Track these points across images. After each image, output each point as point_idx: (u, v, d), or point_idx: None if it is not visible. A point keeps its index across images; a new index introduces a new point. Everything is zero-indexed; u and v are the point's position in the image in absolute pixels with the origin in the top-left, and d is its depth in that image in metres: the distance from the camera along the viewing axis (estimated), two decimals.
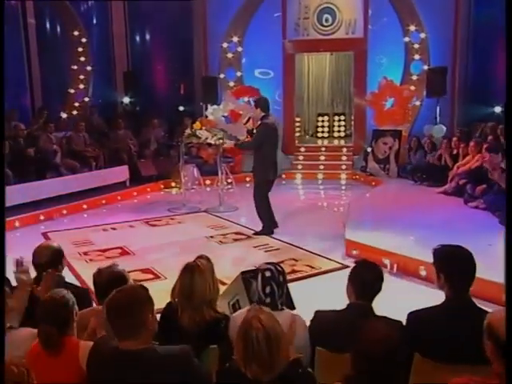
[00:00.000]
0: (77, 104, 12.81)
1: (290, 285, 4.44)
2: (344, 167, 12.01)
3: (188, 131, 8.48)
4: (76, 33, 12.61)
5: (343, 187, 11.37)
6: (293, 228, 7.40)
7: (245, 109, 11.69)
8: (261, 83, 11.93)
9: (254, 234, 6.99)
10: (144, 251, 6.49)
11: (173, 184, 10.79)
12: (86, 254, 6.46)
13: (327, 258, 5.96)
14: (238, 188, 10.38)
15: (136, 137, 11.94)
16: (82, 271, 5.72)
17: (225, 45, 11.92)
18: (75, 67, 12.74)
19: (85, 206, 9.12)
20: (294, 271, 5.54)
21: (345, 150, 12.61)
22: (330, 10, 12.30)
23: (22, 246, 7.08)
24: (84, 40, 12.64)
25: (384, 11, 11.71)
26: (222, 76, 12.01)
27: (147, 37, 13.61)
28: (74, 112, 12.79)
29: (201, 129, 8.50)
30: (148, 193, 10.54)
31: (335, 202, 9.86)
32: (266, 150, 6.86)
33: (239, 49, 11.95)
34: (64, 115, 12.79)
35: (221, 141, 8.33)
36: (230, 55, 11.92)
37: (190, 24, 13.31)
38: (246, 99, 11.75)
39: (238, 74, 12.03)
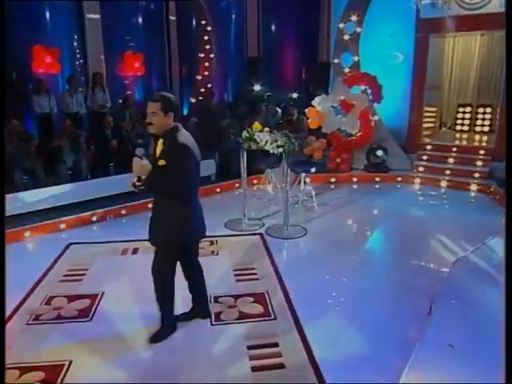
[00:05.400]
0: (202, 90, 10.08)
1: None
2: (477, 175, 7.30)
3: (245, 133, 5.02)
4: (203, 22, 9.70)
5: (472, 202, 6.70)
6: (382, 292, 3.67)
7: (358, 99, 7.68)
8: (382, 70, 7.67)
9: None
10: (112, 310, 3.47)
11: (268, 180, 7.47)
12: (49, 302, 3.65)
13: None
14: (335, 193, 6.70)
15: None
16: None
17: (341, 25, 7.76)
18: (202, 55, 9.92)
19: (150, 206, 6.39)
20: None
21: (482, 152, 7.75)
22: None
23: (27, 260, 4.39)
24: (209, 28, 9.66)
25: None
26: (336, 61, 7.96)
27: (277, 24, 10.10)
28: (200, 98, 10.12)
29: (261, 131, 4.98)
30: (236, 189, 7.40)
31: (452, 232, 5.24)
32: (190, 189, 2.79)
33: (358, 29, 7.65)
34: (193, 100, 10.24)
35: (280, 150, 4.72)
36: (346, 37, 7.73)
37: (318, 8, 9.41)
38: (362, 87, 7.68)
39: (355, 58, 7.81)
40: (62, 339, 3.12)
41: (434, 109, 9.34)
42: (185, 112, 10.33)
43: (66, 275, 4.17)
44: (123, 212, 6.07)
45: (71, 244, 4.96)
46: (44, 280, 4.08)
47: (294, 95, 9.02)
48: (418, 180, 7.62)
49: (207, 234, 4.99)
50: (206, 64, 9.85)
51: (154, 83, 10.13)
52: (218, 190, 7.20)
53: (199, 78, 10.01)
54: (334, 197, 6.82)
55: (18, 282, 4.01)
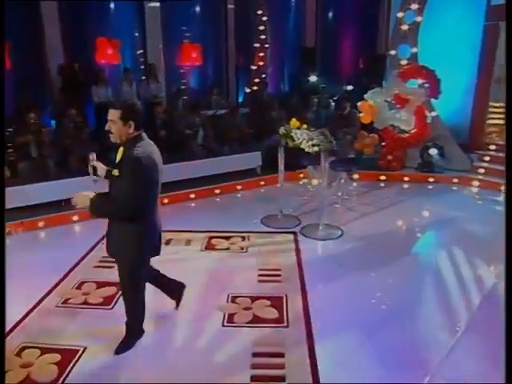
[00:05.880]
0: (257, 80, 9.98)
1: None
2: None
3: (282, 130, 4.87)
4: (259, 12, 9.55)
5: None
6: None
7: (414, 93, 7.16)
8: (443, 62, 7.03)
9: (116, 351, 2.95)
10: None
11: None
12: (79, 286, 3.82)
13: None
14: (383, 193, 6.31)
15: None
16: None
17: (400, 14, 7.20)
18: (257, 45, 9.80)
19: (192, 196, 6.48)
20: None
21: None
22: None
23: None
24: (265, 18, 9.49)
25: None
26: (392, 52, 7.43)
27: (336, 13, 9.67)
28: (254, 88, 10.03)
29: (298, 128, 4.79)
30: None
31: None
32: (142, 205, 2.61)
33: (418, 19, 7.04)
34: (248, 90, 10.19)
35: (316, 149, 4.51)
36: (405, 27, 7.15)
37: None
38: (419, 81, 7.14)
39: (414, 50, 7.22)
40: (83, 325, 3.26)
41: (503, 104, 8.46)
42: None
43: (101, 261, 4.34)
44: (166, 201, 6.22)
45: None
46: (80, 264, 4.29)
47: (349, 87, 8.63)
48: (476, 183, 6.99)
49: (240, 229, 5.08)
50: (261, 54, 9.73)
51: (210, 73, 10.24)
52: (262, 183, 7.12)
53: (254, 68, 9.93)
54: (380, 196, 6.47)
55: (59, 263, 4.27)
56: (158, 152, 2.69)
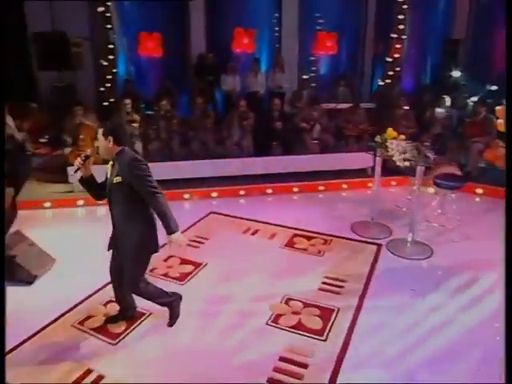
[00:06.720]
0: (391, 73, 9.47)
1: None
2: None
3: (378, 138, 4.68)
4: None
5: None
6: None
7: None
8: None
9: None
10: (202, 282, 4.05)
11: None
12: (167, 259, 4.50)
13: None
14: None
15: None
16: None
17: None
18: (395, 35, 9.24)
19: (295, 190, 6.68)
20: None
21: None
22: None
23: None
24: (405, 6, 8.85)
25: None
26: None
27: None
28: (387, 81, 9.55)
29: (394, 138, 4.53)
30: (390, 187, 6.95)
31: None
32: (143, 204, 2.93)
33: None
34: (381, 83, 9.81)
35: (406, 163, 4.25)
36: None
37: None
38: None
39: None
40: None
41: None
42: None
43: (192, 240, 4.92)
44: (269, 191, 6.59)
45: (212, 213, 5.77)
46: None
47: (493, 88, 7.62)
48: None
49: (328, 230, 5.14)
50: (398, 46, 9.17)
51: (344, 63, 10.13)
52: (370, 184, 6.91)
53: (389, 60, 9.44)
54: (499, 220, 5.70)
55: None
56: None
